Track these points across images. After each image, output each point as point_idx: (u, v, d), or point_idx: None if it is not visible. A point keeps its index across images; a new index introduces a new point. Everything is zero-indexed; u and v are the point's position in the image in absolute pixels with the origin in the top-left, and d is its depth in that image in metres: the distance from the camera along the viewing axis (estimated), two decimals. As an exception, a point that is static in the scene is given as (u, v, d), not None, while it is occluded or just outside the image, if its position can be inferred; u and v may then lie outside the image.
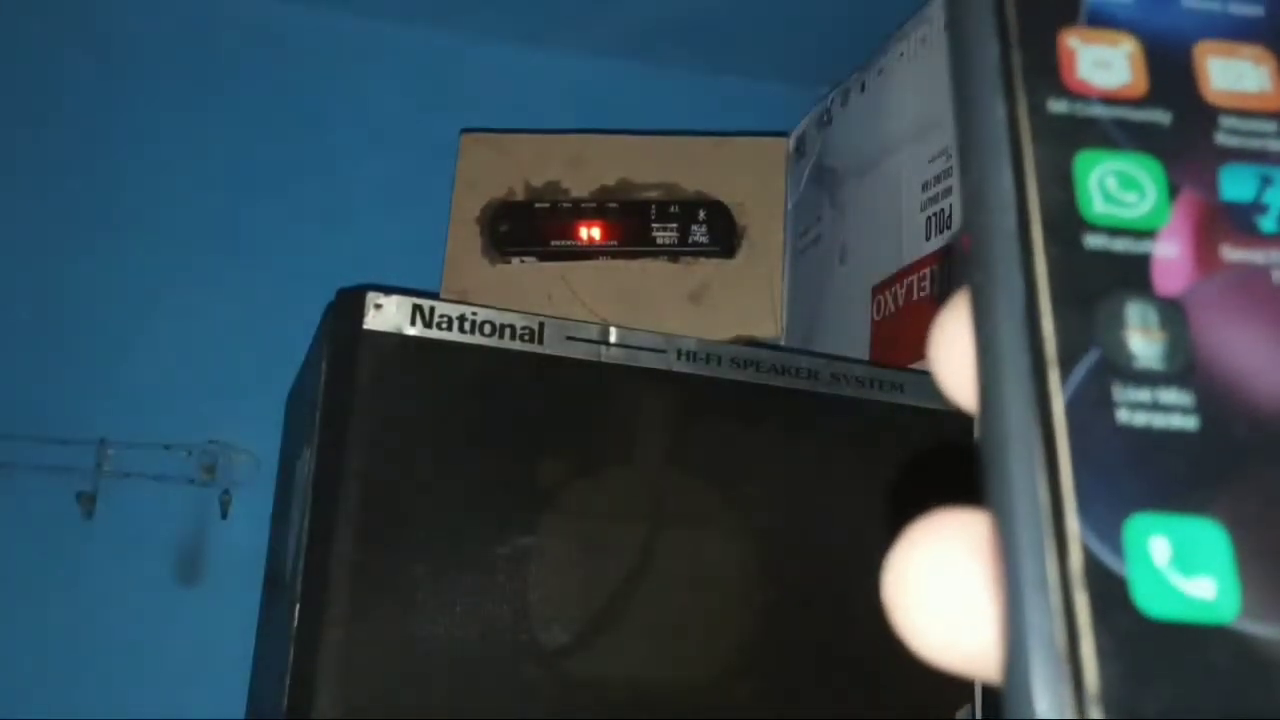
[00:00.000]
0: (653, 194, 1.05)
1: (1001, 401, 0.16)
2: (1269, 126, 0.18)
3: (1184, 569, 0.15)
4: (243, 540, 1.01)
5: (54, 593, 1.00)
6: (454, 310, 0.69)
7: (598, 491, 0.69)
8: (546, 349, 0.70)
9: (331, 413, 0.66)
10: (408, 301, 0.68)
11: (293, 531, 0.72)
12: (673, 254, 1.04)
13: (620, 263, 1.04)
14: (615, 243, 1.04)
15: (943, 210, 0.82)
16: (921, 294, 0.84)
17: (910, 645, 0.16)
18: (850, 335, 0.92)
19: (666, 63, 1.21)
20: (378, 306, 0.67)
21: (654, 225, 1.03)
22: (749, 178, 1.06)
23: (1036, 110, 0.18)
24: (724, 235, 1.04)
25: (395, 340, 0.67)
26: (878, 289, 0.89)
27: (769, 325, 1.04)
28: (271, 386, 0.96)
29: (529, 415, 0.70)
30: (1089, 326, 0.16)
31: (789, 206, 1.07)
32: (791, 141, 1.08)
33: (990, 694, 0.67)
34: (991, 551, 0.15)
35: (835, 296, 0.97)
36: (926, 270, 0.83)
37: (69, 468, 1.00)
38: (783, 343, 1.03)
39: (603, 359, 0.71)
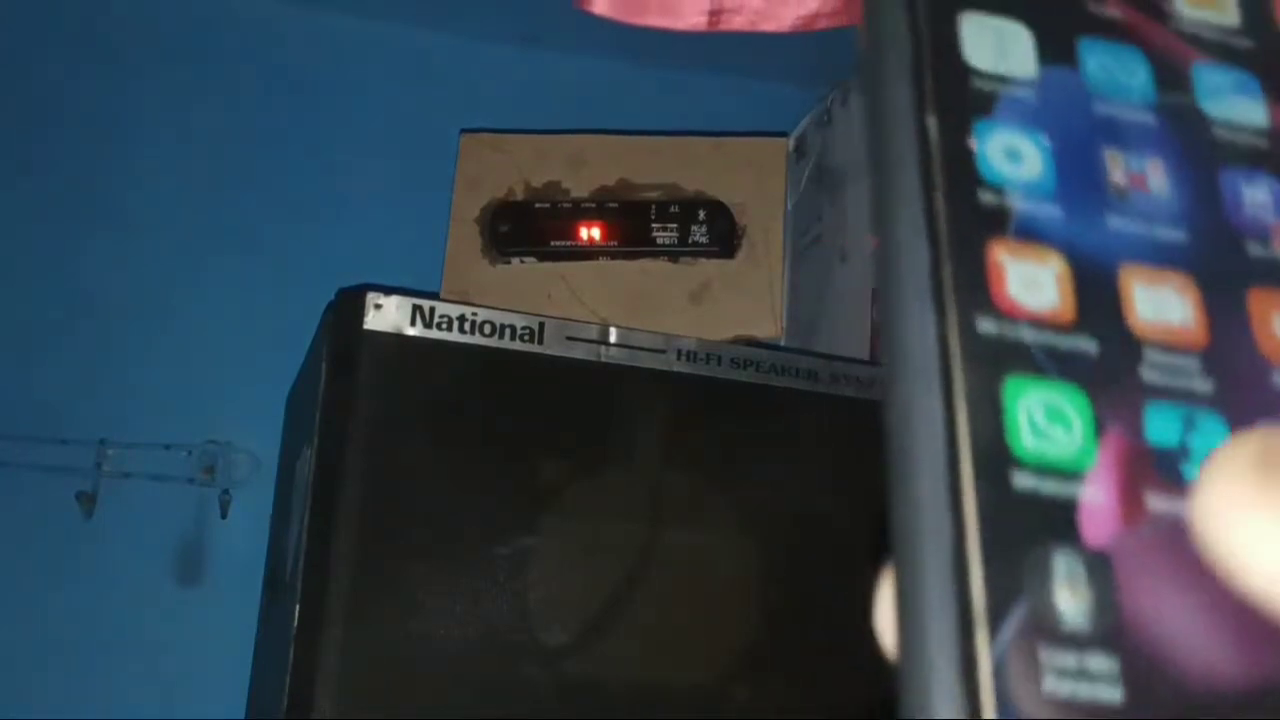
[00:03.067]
0: (653, 194, 1.05)
1: (927, 665, 0.14)
2: (1191, 364, 0.17)
3: None
4: (243, 540, 1.01)
5: (54, 593, 1.00)
6: (454, 310, 0.69)
7: (598, 491, 0.69)
8: (546, 349, 0.70)
9: (331, 413, 0.66)
10: (408, 301, 0.68)
11: (293, 531, 0.72)
12: (673, 254, 1.04)
13: (620, 263, 1.04)
14: (615, 243, 1.04)
15: (943, 210, 0.82)
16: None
17: None
18: (850, 335, 0.92)
19: (667, 63, 1.21)
20: (378, 306, 0.67)
21: (654, 225, 1.03)
22: (749, 178, 1.06)
23: (967, 329, 0.16)
24: (724, 235, 1.04)
25: (395, 340, 0.67)
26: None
27: (769, 325, 1.04)
28: (271, 386, 0.96)
29: (529, 415, 0.70)
30: (1017, 579, 0.15)
31: (789, 207, 1.07)
32: (791, 141, 1.08)
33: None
34: None
35: (835, 296, 0.96)
36: (926, 270, 0.83)
37: (69, 468, 1.00)
38: (783, 343, 1.03)
39: (603, 359, 0.71)
